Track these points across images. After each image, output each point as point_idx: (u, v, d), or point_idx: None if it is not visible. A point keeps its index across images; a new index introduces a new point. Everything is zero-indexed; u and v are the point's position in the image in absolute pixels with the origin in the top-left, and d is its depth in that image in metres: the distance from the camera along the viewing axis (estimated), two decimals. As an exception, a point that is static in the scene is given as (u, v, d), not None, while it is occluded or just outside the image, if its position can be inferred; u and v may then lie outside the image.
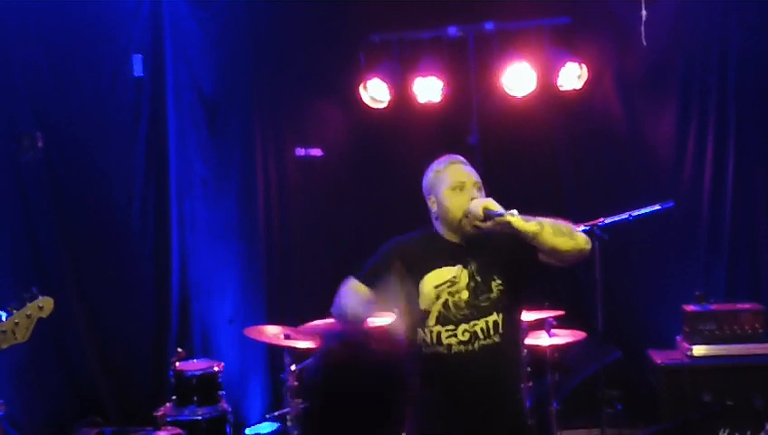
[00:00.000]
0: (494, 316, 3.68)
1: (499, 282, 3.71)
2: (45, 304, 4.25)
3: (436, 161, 3.86)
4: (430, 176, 3.84)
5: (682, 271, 6.75)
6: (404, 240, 3.88)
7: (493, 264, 3.72)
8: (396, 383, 2.36)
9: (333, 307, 3.80)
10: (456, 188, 3.73)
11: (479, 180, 3.78)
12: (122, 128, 6.88)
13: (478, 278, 3.70)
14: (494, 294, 3.70)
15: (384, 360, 2.36)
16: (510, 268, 3.73)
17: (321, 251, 7.13)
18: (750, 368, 5.94)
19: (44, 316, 4.25)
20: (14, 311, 4.19)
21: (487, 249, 3.75)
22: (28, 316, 4.19)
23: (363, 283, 3.74)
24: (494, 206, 3.59)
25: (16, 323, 4.15)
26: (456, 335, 3.68)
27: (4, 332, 4.13)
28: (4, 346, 4.14)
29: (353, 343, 2.42)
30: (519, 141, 6.94)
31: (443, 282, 3.71)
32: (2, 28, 6.51)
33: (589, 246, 3.62)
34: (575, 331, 5.96)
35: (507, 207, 3.65)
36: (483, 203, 3.61)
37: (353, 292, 3.73)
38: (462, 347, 3.67)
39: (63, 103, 6.71)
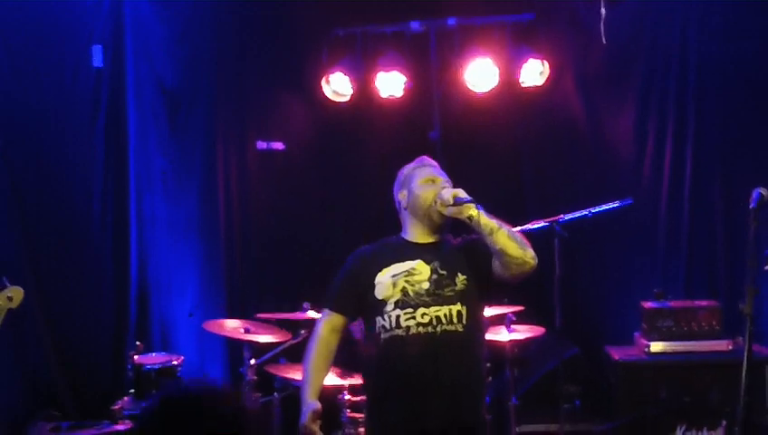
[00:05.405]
0: (458, 306, 3.76)
1: (464, 277, 3.82)
2: (15, 294, 4.22)
3: (412, 162, 4.12)
4: (404, 173, 4.08)
5: (641, 268, 6.80)
6: (363, 249, 4.05)
7: (457, 262, 3.86)
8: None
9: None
10: (428, 181, 3.96)
11: (449, 182, 4.01)
12: (81, 121, 6.80)
13: (443, 272, 3.81)
14: (458, 287, 3.79)
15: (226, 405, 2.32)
16: (472, 269, 3.84)
17: (282, 246, 7.10)
18: (707, 364, 5.97)
19: (14, 307, 4.21)
20: None
21: (450, 251, 3.91)
22: None
23: (337, 311, 3.92)
24: (464, 194, 3.78)
25: None
26: (414, 318, 3.74)
27: None
28: None
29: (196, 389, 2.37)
30: (480, 137, 6.96)
31: (400, 272, 3.81)
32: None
33: (534, 262, 3.74)
34: (534, 326, 6.00)
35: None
36: (453, 191, 3.81)
37: (316, 341, 3.90)
38: (421, 329, 3.73)
39: (22, 96, 6.61)
